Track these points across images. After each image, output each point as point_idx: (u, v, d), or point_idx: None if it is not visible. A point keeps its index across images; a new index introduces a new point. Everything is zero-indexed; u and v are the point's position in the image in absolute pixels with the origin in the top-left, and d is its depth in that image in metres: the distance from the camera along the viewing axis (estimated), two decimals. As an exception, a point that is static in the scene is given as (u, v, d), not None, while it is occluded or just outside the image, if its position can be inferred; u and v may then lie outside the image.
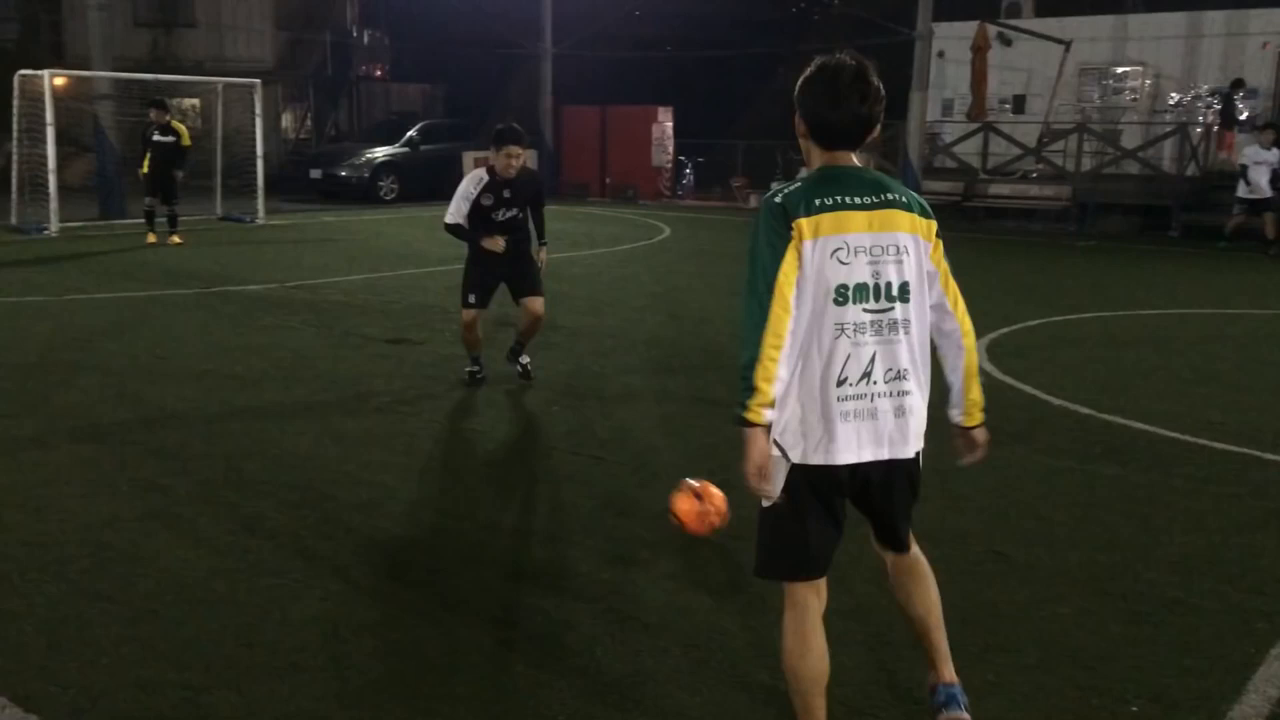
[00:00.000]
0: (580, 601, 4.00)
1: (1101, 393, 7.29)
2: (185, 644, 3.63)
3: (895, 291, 2.77)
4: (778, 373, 2.71)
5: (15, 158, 16.43)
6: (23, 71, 16.47)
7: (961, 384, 3.13)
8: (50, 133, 15.41)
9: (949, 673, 3.11)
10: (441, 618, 3.85)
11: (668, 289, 11.82)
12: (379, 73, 31.64)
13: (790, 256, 2.67)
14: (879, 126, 2.85)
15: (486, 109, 29.15)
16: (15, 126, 16.33)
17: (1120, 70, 21.38)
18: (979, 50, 20.90)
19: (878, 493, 2.97)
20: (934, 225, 2.89)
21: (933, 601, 3.13)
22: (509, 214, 7.14)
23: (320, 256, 13.79)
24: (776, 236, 2.69)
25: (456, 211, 7.05)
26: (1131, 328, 10.01)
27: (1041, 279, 13.42)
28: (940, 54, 22.13)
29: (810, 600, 2.89)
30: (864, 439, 2.80)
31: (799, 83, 2.85)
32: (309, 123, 29.51)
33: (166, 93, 24.38)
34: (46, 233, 15.32)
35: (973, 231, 18.93)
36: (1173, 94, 20.88)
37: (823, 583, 2.93)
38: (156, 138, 14.07)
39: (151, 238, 14.43)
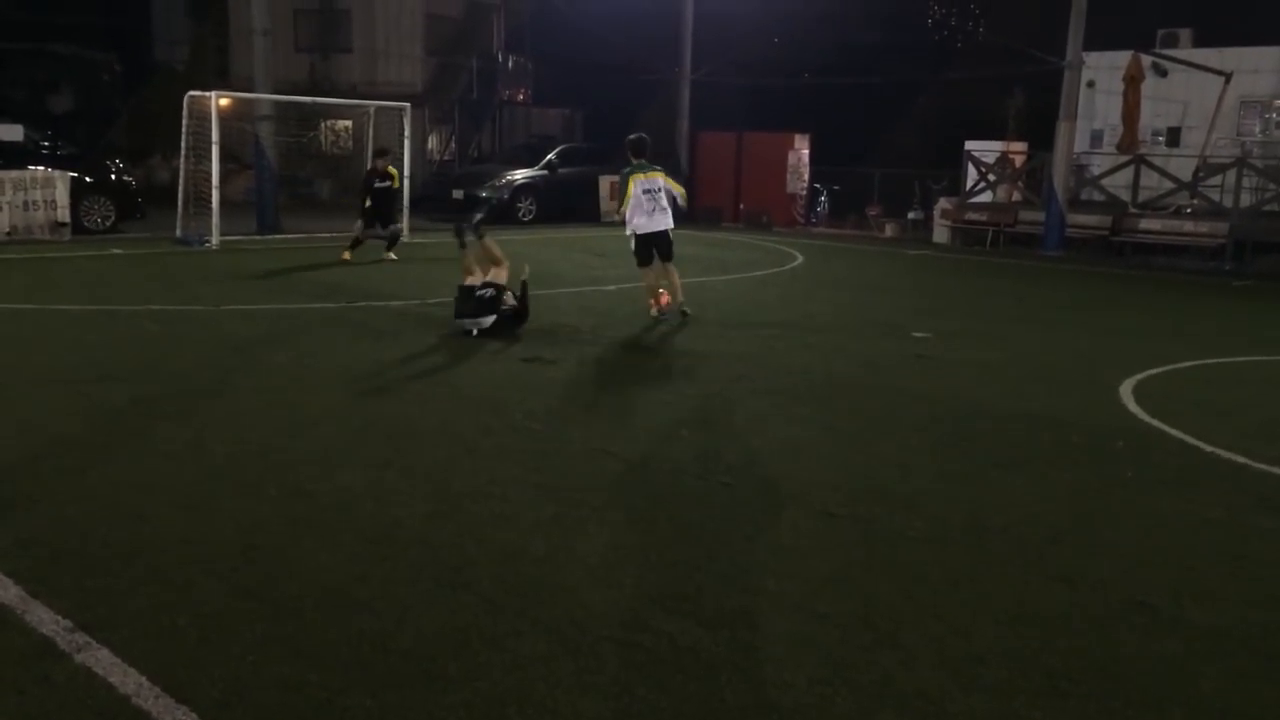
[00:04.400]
0: (705, 628, 4.01)
1: (1257, 440, 6.93)
2: (325, 646, 3.77)
3: (656, 188, 10.79)
4: (628, 214, 10.81)
5: (182, 174, 17.42)
6: (192, 93, 17.48)
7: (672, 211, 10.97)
8: (215, 150, 16.30)
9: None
10: (569, 636, 3.91)
11: (800, 316, 11.74)
12: (521, 96, 32.43)
13: (632, 184, 10.73)
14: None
15: (625, 134, 29.53)
16: (183, 144, 17.32)
17: (1285, 103, 20.36)
18: (1132, 81, 20.19)
19: (658, 240, 10.77)
20: (661, 173, 11.00)
21: (674, 277, 11.03)
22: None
23: (458, 274, 14.15)
24: (629, 179, 10.78)
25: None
26: (1292, 373, 9.48)
27: (1193, 319, 12.85)
28: (1090, 84, 21.47)
29: (648, 273, 10.98)
30: (654, 223, 10.73)
31: (632, 137, 11.23)
32: (453, 144, 30.43)
33: (322, 114, 25.70)
34: (208, 245, 16.18)
35: (1120, 267, 18.25)
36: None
37: (656, 264, 10.91)
38: (378, 185, 15.43)
39: (347, 255, 15.20)
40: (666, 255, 10.93)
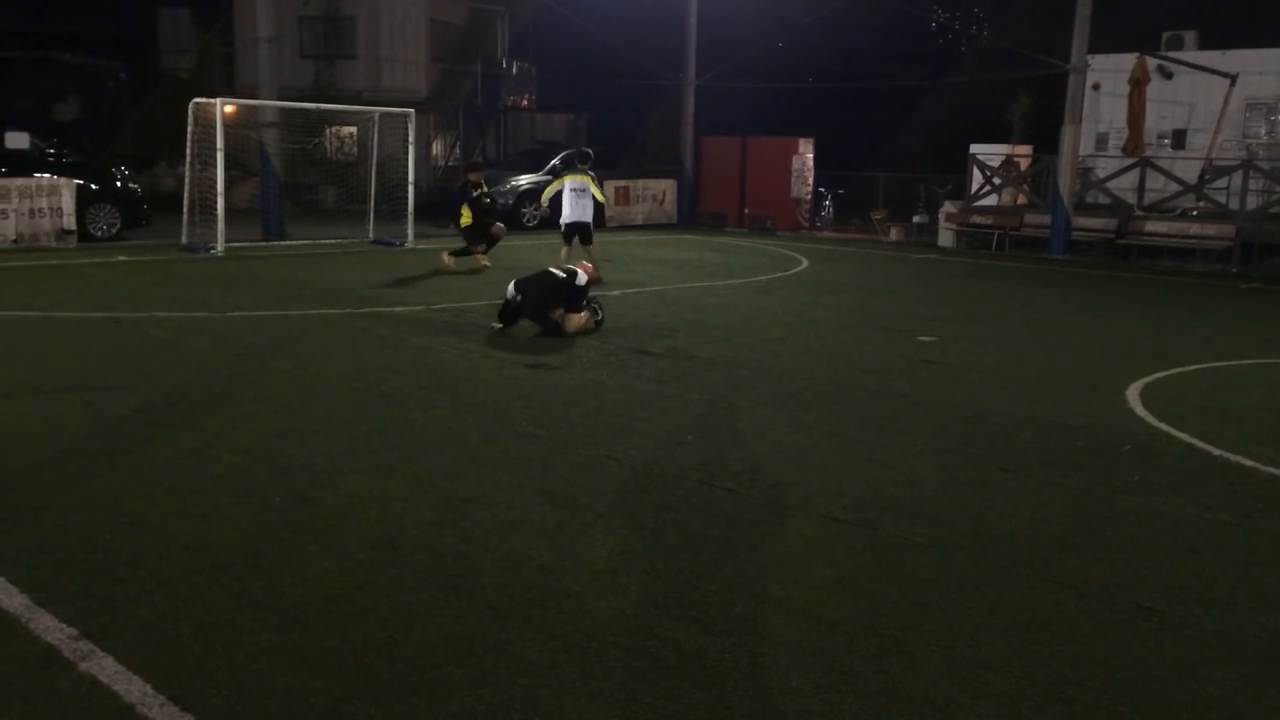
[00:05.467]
0: (711, 635, 3.99)
1: (1265, 444, 6.90)
2: (330, 654, 3.76)
3: (582, 189, 14.27)
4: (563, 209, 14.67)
5: (188, 181, 17.46)
6: (197, 100, 17.52)
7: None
8: (220, 158, 16.34)
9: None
10: (576, 642, 3.90)
11: (804, 321, 11.73)
12: (525, 102, 32.48)
13: (556, 184, 15.00)
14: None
15: (628, 138, 29.59)
16: (189, 152, 17.36)
17: (1291, 105, 20.31)
18: (1138, 83, 20.19)
19: (580, 228, 14.46)
20: (590, 178, 14.46)
21: (591, 255, 14.08)
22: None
23: (463, 280, 14.19)
24: (561, 177, 14.99)
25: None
26: (1300, 376, 9.45)
27: (1201, 321, 12.81)
28: (1095, 87, 21.46)
29: (564, 249, 14.39)
30: (575, 215, 14.38)
31: (583, 149, 15.17)
32: (457, 150, 30.47)
33: (327, 120, 25.75)
34: (213, 252, 16.20)
35: (1127, 270, 18.22)
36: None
37: (575, 245, 14.53)
38: (475, 194, 15.56)
39: (484, 260, 15.41)
40: (586, 240, 14.60)
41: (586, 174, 14.51)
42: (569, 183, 14.52)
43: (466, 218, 15.54)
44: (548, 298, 10.07)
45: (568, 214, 14.50)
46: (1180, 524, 5.39)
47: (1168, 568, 4.81)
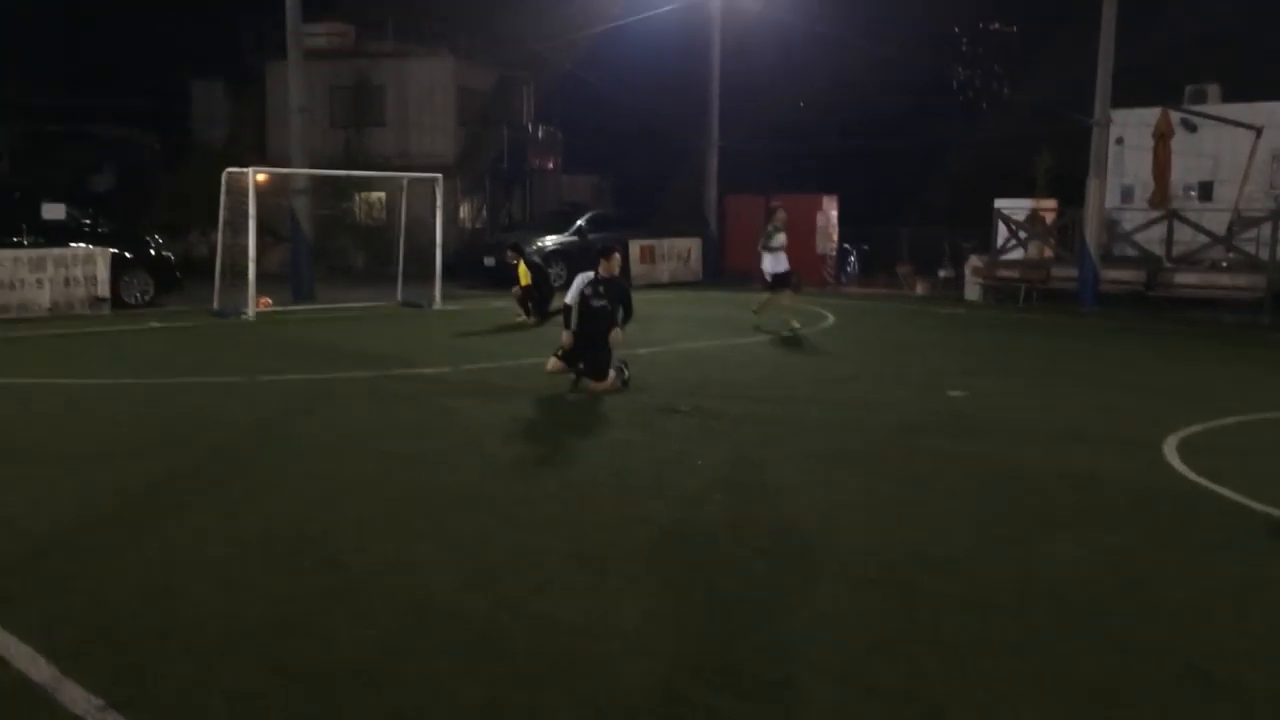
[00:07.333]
0: (746, 702, 3.90)
1: (1309, 498, 6.74)
2: (358, 723, 3.70)
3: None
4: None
5: (220, 248, 17.72)
6: (230, 169, 17.84)
7: None
8: (252, 224, 16.59)
9: None
10: (607, 709, 3.82)
11: (832, 377, 11.66)
12: (551, 165, 32.86)
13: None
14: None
15: (653, 199, 29.83)
16: (221, 219, 17.64)
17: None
18: (1162, 137, 20.17)
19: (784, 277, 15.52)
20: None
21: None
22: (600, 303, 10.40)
23: (490, 341, 14.25)
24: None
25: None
26: (1341, 428, 9.27)
27: (1235, 373, 12.63)
28: (1119, 140, 21.45)
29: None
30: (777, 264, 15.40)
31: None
32: (484, 213, 30.80)
33: (357, 186, 26.13)
34: (244, 316, 16.38)
35: (1157, 322, 18.05)
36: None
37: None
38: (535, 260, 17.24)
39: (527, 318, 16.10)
40: (784, 287, 15.93)
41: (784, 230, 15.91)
42: (778, 240, 15.73)
43: (525, 277, 16.20)
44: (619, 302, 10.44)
45: (773, 266, 15.70)
46: (1225, 582, 5.26)
47: (1214, 627, 4.68)
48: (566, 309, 10.54)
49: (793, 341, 14.91)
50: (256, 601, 4.82)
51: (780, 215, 16.26)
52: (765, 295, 16.14)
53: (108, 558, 5.39)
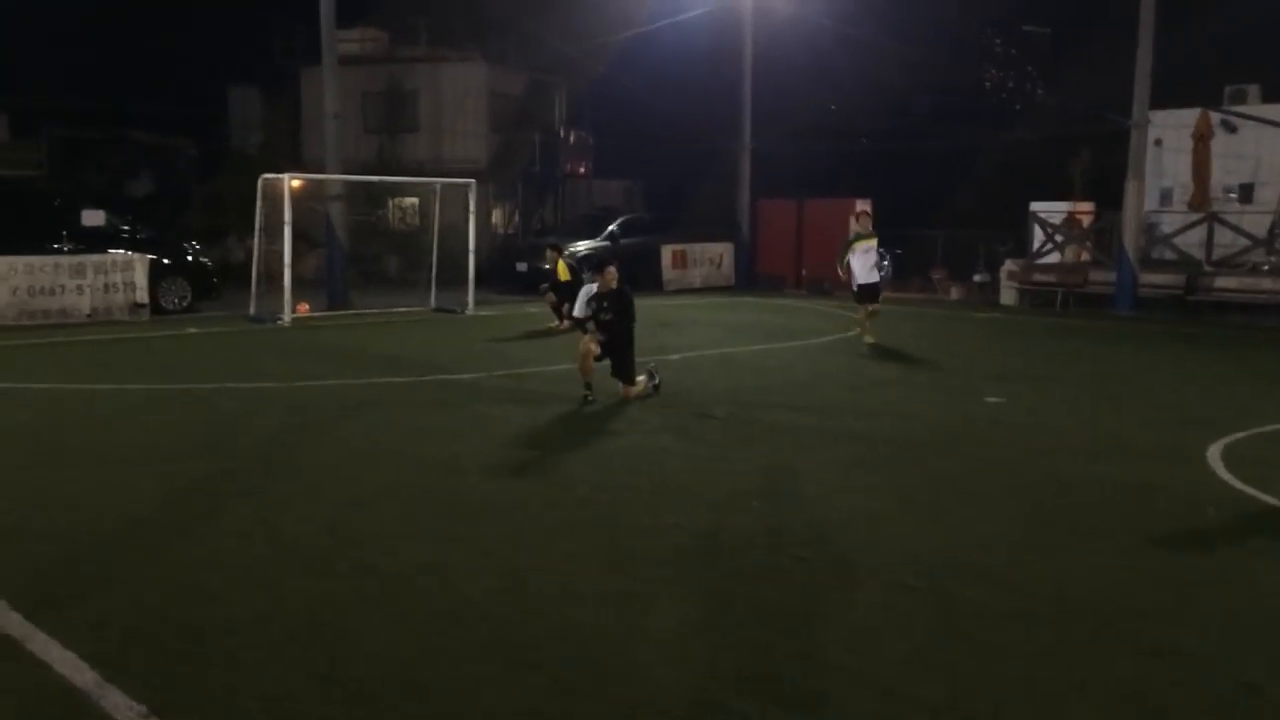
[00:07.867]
0: (784, 711, 3.86)
1: (1358, 506, 6.60)
2: (395, 729, 3.70)
3: (869, 249, 14.78)
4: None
5: (256, 253, 17.88)
6: (266, 175, 18.00)
7: None
8: (287, 230, 16.72)
9: None
10: (643, 717, 3.79)
11: (867, 383, 11.58)
12: (582, 169, 32.93)
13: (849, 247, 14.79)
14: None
15: (685, 203, 29.81)
16: (257, 225, 17.80)
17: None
18: (1201, 138, 19.90)
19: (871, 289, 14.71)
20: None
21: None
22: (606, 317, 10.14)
23: (524, 347, 14.28)
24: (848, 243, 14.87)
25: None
26: (1389, 434, 9.08)
27: (1278, 380, 12.41)
28: (1158, 142, 21.18)
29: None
30: (866, 275, 14.43)
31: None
32: (516, 218, 30.90)
33: (391, 191, 26.27)
34: (280, 322, 16.51)
35: (1197, 326, 17.79)
36: None
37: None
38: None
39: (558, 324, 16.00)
40: (872, 300, 14.98)
41: (874, 235, 15.01)
42: (861, 245, 14.66)
43: (565, 273, 16.44)
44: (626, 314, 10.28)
45: (861, 276, 14.64)
46: (1273, 591, 5.15)
47: (1262, 638, 4.58)
48: (579, 321, 10.99)
49: (829, 349, 14.82)
50: (293, 605, 4.83)
51: (865, 219, 15.23)
52: (862, 310, 14.91)
53: (148, 562, 5.44)
